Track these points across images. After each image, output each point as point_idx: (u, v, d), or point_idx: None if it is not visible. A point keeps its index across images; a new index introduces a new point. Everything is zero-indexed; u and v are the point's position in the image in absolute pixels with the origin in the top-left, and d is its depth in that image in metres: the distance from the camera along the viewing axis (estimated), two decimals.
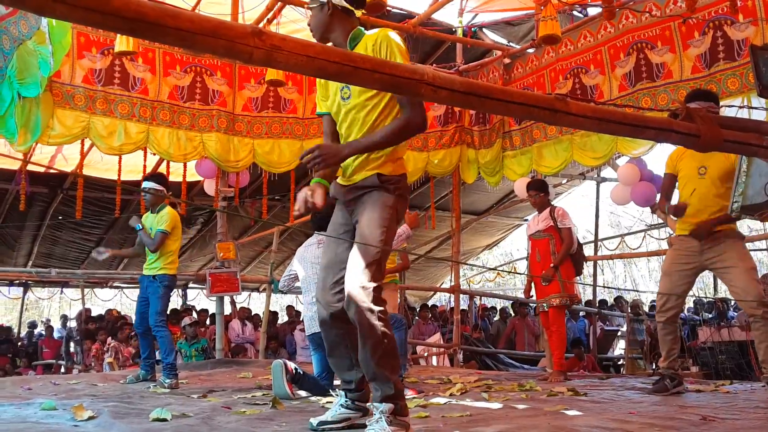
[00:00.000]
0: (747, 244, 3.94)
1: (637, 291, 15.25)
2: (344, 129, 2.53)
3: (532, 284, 5.36)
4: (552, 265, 4.92)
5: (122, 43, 5.30)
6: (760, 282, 3.66)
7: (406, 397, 3.32)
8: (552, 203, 5.35)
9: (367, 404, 2.54)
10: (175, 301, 15.81)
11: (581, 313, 10.64)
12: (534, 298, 5.42)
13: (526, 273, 5.36)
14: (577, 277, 5.21)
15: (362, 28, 2.51)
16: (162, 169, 7.31)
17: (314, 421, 2.56)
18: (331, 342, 2.55)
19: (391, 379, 2.27)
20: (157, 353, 5.02)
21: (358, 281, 2.28)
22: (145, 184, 5.03)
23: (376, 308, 2.26)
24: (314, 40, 2.40)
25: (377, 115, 2.42)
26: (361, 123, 2.45)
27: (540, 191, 5.21)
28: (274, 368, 3.86)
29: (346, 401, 2.57)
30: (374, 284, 2.28)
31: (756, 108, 4.77)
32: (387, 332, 2.27)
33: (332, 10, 2.47)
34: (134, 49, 5.47)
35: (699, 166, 3.81)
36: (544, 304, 5.03)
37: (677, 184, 3.96)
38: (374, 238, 2.32)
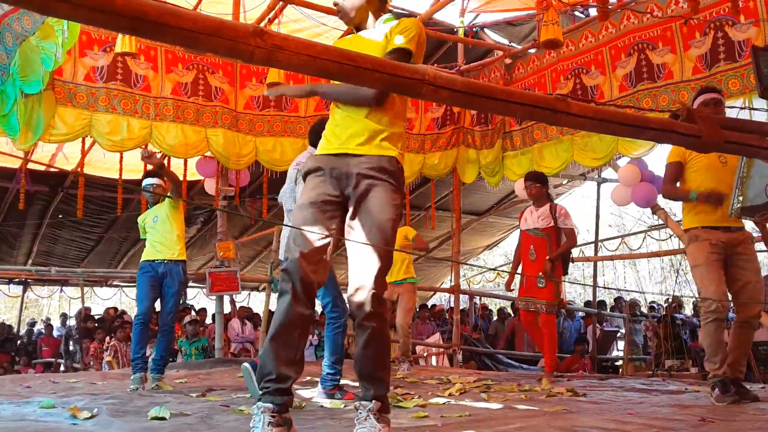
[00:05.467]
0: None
1: (638, 292, 15.22)
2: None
3: (516, 278, 5.31)
4: (548, 258, 4.89)
5: (123, 43, 5.29)
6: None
7: None
8: (553, 201, 5.31)
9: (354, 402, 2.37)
10: None
11: (580, 313, 10.64)
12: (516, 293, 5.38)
13: (521, 273, 5.27)
14: (575, 278, 5.20)
15: (392, 16, 2.45)
16: None
17: None
18: (288, 320, 2.14)
19: (386, 380, 2.28)
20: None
21: (370, 287, 2.19)
22: (146, 182, 4.87)
23: (384, 314, 2.27)
24: (315, 40, 2.36)
25: None
26: None
27: (537, 182, 5.17)
28: (243, 372, 3.70)
29: (271, 419, 2.06)
30: (383, 290, 2.24)
31: (757, 109, 4.76)
32: (388, 335, 2.31)
33: None
34: (135, 50, 5.46)
35: (719, 155, 3.62)
36: (530, 306, 4.99)
37: (688, 172, 3.74)
38: (386, 243, 2.22)
